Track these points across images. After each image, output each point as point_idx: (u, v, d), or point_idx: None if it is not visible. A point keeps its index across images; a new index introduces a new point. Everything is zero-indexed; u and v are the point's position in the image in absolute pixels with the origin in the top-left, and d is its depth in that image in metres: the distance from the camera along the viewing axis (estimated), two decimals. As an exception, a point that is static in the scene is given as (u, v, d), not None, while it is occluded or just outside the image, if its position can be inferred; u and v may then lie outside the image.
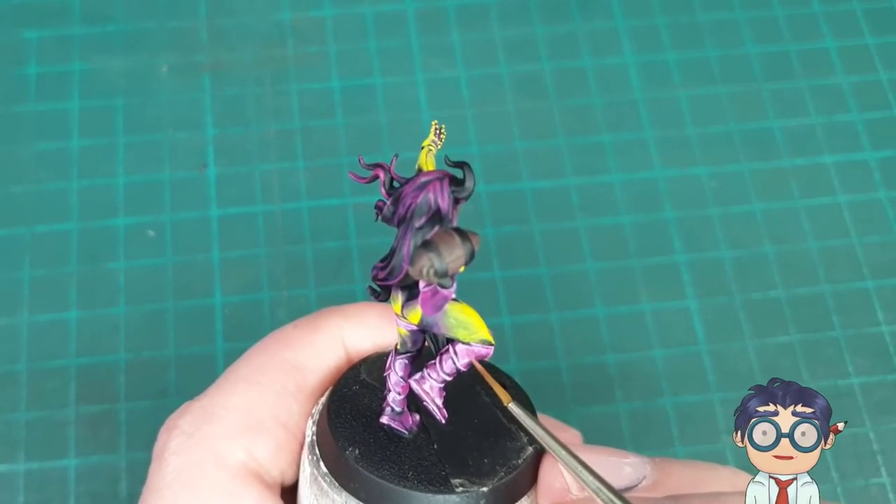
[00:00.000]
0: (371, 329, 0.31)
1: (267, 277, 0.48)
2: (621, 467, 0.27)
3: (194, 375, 0.44)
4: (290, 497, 0.31)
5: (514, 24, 0.54)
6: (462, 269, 0.24)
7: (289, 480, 0.31)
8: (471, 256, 0.24)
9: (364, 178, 0.26)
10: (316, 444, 0.29)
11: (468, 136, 0.51)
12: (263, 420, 0.30)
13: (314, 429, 0.29)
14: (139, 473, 0.43)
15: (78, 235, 0.48)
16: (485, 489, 0.27)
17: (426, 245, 0.23)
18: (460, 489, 0.27)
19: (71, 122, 0.51)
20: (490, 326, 0.28)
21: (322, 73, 0.53)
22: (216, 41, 0.53)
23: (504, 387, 0.29)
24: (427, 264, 0.23)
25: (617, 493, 0.25)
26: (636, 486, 0.27)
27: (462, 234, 0.24)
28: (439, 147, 0.26)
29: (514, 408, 0.27)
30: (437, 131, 0.27)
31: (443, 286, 0.25)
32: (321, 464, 0.28)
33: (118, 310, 0.47)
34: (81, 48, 0.53)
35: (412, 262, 0.24)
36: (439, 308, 0.25)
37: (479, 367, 0.28)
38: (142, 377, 0.45)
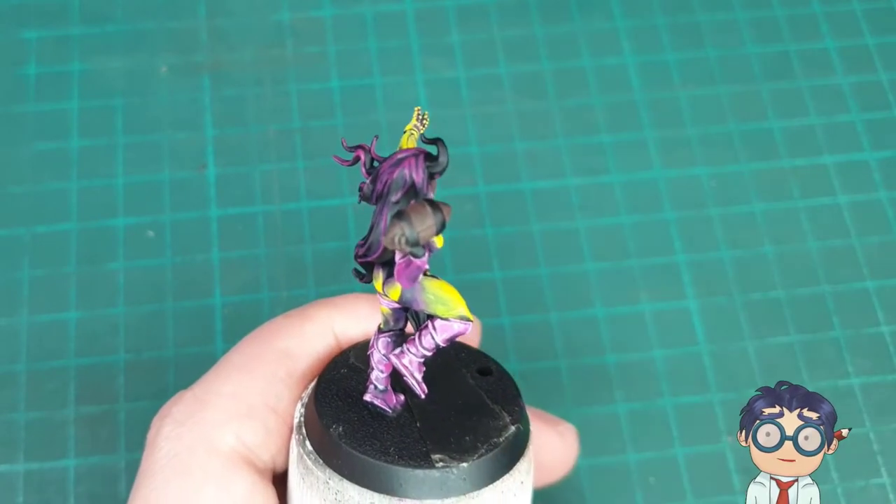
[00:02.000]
0: (361, 319, 0.32)
1: (266, 278, 0.48)
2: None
3: (194, 376, 0.44)
4: (283, 485, 0.31)
5: (514, 24, 0.54)
6: (438, 241, 0.25)
7: (281, 467, 0.31)
8: (441, 226, 0.25)
9: (346, 161, 0.27)
10: (303, 424, 0.30)
11: (468, 137, 0.51)
12: (254, 406, 0.30)
13: (302, 411, 0.30)
14: (139, 474, 0.44)
15: (77, 236, 0.48)
16: (465, 465, 0.27)
17: (398, 215, 0.24)
18: (440, 464, 0.27)
19: (70, 123, 0.51)
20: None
21: (321, 74, 0.53)
22: (216, 41, 0.53)
23: (489, 372, 0.30)
24: (399, 233, 0.24)
25: None
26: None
27: (434, 204, 0.25)
28: (422, 131, 0.27)
29: None
30: (420, 117, 0.27)
31: (415, 255, 0.25)
32: (307, 443, 0.29)
33: (118, 310, 0.47)
34: (81, 48, 0.53)
35: (385, 232, 0.25)
36: (414, 279, 0.26)
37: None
38: (141, 378, 0.45)
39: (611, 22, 0.55)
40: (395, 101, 0.52)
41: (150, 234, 0.49)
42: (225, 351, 0.46)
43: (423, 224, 0.24)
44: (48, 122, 0.51)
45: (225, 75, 0.52)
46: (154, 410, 0.42)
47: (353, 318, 0.32)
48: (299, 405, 0.31)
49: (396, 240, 0.24)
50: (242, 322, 0.47)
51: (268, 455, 0.30)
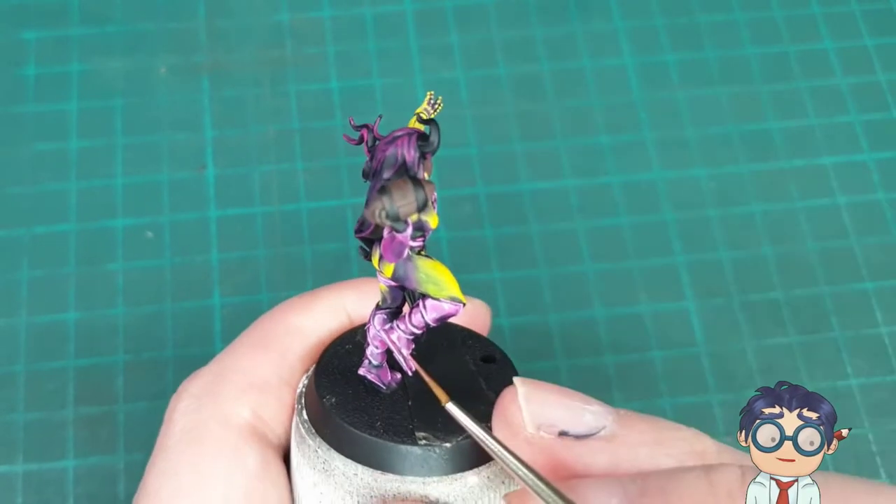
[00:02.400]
0: (373, 299, 0.32)
1: (265, 279, 0.48)
2: (582, 414, 0.27)
3: (193, 376, 0.44)
4: None
5: (513, 25, 0.54)
6: (432, 222, 0.26)
7: None
8: (423, 203, 0.25)
9: (354, 140, 0.27)
10: (303, 394, 0.30)
11: (467, 137, 0.51)
12: (268, 379, 0.31)
13: (305, 382, 0.31)
14: (137, 474, 0.43)
15: (76, 236, 0.48)
16: (448, 445, 0.28)
17: (381, 190, 0.25)
18: (423, 442, 0.28)
19: (69, 123, 0.51)
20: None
21: (321, 74, 0.53)
22: (215, 42, 0.53)
23: (493, 360, 0.30)
24: (379, 207, 0.24)
25: (563, 497, 0.25)
26: (594, 434, 0.27)
27: (416, 181, 0.25)
28: (432, 116, 0.27)
29: (451, 408, 0.27)
30: (432, 101, 0.28)
31: (396, 230, 0.25)
32: (304, 412, 0.30)
33: (117, 311, 0.47)
34: (80, 49, 0.53)
35: (367, 206, 0.25)
36: (398, 254, 0.26)
37: (418, 367, 0.28)
38: (140, 378, 0.45)
39: (610, 23, 0.55)
40: (395, 101, 0.52)
41: (149, 234, 0.48)
42: (224, 352, 0.46)
43: (404, 199, 0.25)
44: (47, 123, 0.51)
45: (224, 76, 0.52)
46: (153, 411, 0.41)
47: (365, 299, 0.33)
48: (304, 377, 0.31)
49: (377, 213, 0.24)
50: (241, 323, 0.46)
51: (282, 428, 0.31)
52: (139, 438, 0.44)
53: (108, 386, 0.45)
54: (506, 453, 0.26)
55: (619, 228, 0.49)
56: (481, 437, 0.26)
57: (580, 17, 0.55)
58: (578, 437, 0.26)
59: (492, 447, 0.26)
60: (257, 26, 0.54)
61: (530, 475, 0.25)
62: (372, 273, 0.28)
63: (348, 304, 0.33)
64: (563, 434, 0.27)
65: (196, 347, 0.46)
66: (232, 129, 0.51)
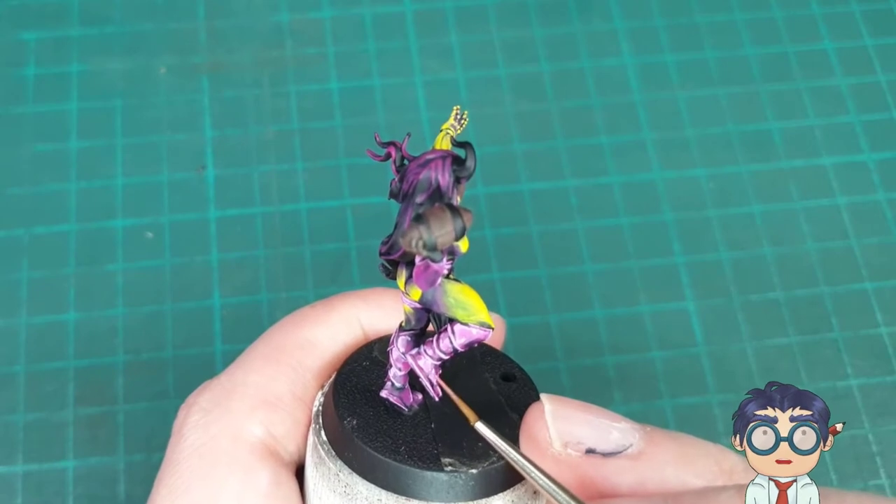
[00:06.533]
0: (387, 311, 0.32)
1: (265, 279, 0.48)
2: (609, 431, 0.27)
3: (193, 377, 0.44)
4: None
5: (513, 25, 0.54)
6: (463, 246, 0.25)
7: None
8: (461, 232, 0.24)
9: (379, 156, 0.26)
10: (321, 414, 0.30)
11: (466, 138, 0.51)
12: (281, 395, 0.30)
13: (321, 399, 0.30)
14: (137, 475, 0.44)
15: (76, 237, 0.48)
16: (474, 471, 0.27)
17: (417, 218, 0.24)
18: (449, 468, 0.27)
19: (69, 124, 0.51)
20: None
21: (321, 75, 0.53)
22: (215, 43, 0.53)
23: (513, 378, 0.30)
24: (416, 237, 0.24)
25: None
26: (621, 452, 0.27)
27: (454, 210, 0.24)
28: (459, 132, 0.27)
29: (480, 427, 0.27)
30: (458, 116, 0.27)
31: (432, 260, 0.25)
32: (322, 432, 0.29)
33: (116, 311, 0.47)
34: (80, 49, 0.53)
35: (403, 234, 0.24)
36: (432, 283, 0.26)
37: (445, 387, 0.28)
38: (140, 379, 0.45)
39: (609, 23, 0.55)
40: (394, 102, 0.52)
41: (149, 235, 0.48)
42: (224, 352, 0.46)
43: (442, 229, 0.24)
44: (47, 123, 0.51)
45: (224, 76, 0.52)
46: (153, 412, 0.42)
47: (379, 310, 0.32)
48: (319, 394, 0.31)
49: (413, 243, 0.24)
50: (241, 323, 0.47)
51: (294, 446, 0.30)
52: (139, 439, 0.44)
53: (107, 386, 0.45)
54: (538, 473, 0.25)
55: (619, 228, 0.49)
56: (513, 456, 0.26)
57: (580, 17, 0.55)
58: (605, 455, 0.26)
59: (524, 466, 0.26)
60: (257, 27, 0.54)
61: (563, 494, 0.25)
62: (381, 283, 0.28)
63: (362, 316, 0.32)
64: (589, 451, 0.26)
65: (196, 348, 0.46)
66: (231, 129, 0.51)
